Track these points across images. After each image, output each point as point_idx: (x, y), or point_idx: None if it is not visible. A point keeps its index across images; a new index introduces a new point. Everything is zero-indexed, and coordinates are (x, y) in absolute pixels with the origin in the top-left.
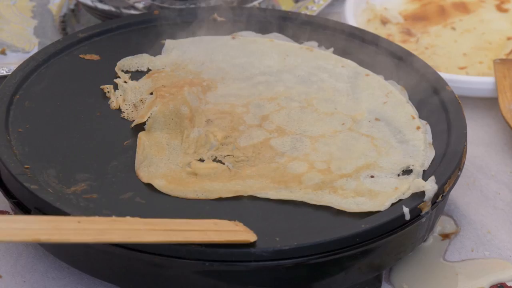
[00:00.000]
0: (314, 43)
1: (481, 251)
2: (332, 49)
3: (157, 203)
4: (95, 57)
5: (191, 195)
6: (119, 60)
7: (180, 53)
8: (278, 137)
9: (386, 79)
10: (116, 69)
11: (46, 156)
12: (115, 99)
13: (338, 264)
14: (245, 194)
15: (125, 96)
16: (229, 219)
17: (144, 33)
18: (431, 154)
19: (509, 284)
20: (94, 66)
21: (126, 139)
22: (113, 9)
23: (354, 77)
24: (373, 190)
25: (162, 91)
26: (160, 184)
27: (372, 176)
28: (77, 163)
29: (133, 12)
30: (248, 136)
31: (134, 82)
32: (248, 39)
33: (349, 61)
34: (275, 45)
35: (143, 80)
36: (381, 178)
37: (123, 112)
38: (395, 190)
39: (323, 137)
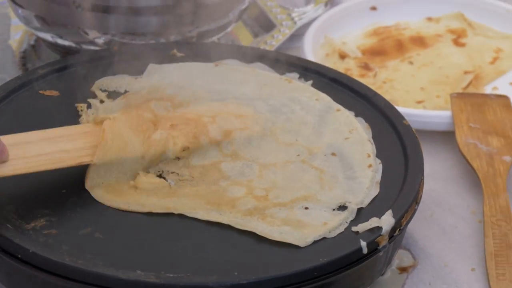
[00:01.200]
0: (295, 75)
1: (438, 284)
2: (311, 82)
3: (97, 216)
4: (55, 92)
5: (123, 206)
6: (77, 95)
7: (161, 77)
8: (230, 162)
9: (357, 115)
10: (94, 87)
11: (5, 192)
12: (86, 118)
13: None
14: (175, 212)
15: (96, 115)
16: (155, 234)
17: (104, 68)
18: (374, 192)
19: None
20: (54, 102)
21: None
22: (73, 44)
23: (325, 111)
24: (302, 221)
25: (130, 106)
26: (97, 193)
27: (306, 208)
28: (36, 198)
29: (93, 47)
30: (202, 154)
31: (109, 102)
32: (231, 67)
33: (324, 95)
34: (256, 75)
35: (118, 101)
36: (315, 211)
37: None
38: (323, 225)
39: (273, 166)
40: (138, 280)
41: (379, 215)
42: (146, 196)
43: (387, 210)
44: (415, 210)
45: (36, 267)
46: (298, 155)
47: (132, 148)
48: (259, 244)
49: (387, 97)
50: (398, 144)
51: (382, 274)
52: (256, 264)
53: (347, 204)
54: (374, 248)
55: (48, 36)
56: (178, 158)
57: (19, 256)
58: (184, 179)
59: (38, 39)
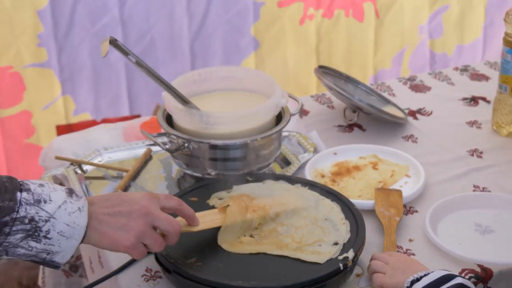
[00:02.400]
0: (301, 185)
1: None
2: (307, 187)
3: (223, 256)
4: (195, 199)
5: (236, 251)
6: (206, 198)
7: (242, 189)
8: (280, 227)
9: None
10: (212, 196)
11: (182, 243)
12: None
13: None
14: (261, 252)
15: (219, 206)
16: (251, 263)
17: (216, 186)
18: (347, 236)
19: None
20: (196, 203)
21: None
22: (200, 175)
23: (317, 200)
24: (319, 251)
25: (234, 200)
26: (223, 245)
27: (320, 245)
28: (191, 247)
29: (209, 176)
30: (267, 224)
31: (220, 201)
32: (272, 183)
33: (315, 193)
34: (281, 185)
35: (225, 200)
36: (324, 246)
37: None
38: (329, 253)
39: (300, 227)
40: (241, 286)
41: (348, 250)
42: (246, 246)
43: (350, 248)
44: (362, 248)
45: (193, 280)
46: (310, 221)
47: (237, 220)
48: (298, 264)
49: (344, 194)
50: (352, 216)
51: (348, 278)
52: (298, 275)
53: (338, 242)
54: (345, 267)
55: (189, 172)
56: (257, 228)
57: (185, 276)
58: (262, 236)
59: (185, 174)
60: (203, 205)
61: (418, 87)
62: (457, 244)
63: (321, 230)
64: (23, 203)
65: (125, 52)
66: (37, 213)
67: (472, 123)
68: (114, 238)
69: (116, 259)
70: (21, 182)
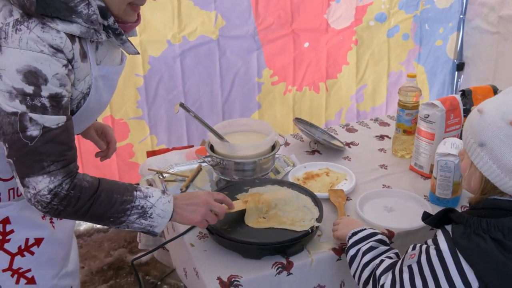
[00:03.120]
0: (285, 186)
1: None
2: (291, 188)
3: (248, 229)
4: (226, 192)
5: (256, 226)
6: (234, 194)
7: (257, 190)
8: (280, 211)
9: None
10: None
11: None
12: (240, 199)
13: (294, 244)
14: (270, 227)
15: (242, 198)
16: (260, 232)
17: (237, 186)
18: (317, 214)
19: None
20: (227, 195)
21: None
22: (229, 179)
23: (297, 194)
24: (304, 225)
25: (251, 195)
26: (249, 224)
27: (303, 221)
28: (225, 220)
29: (234, 180)
30: (272, 210)
31: (241, 195)
32: (274, 186)
33: (294, 191)
34: (276, 186)
35: (245, 194)
36: (306, 222)
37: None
38: (309, 225)
39: (291, 211)
40: (250, 241)
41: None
42: (262, 223)
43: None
44: (321, 220)
45: (225, 238)
46: (296, 208)
47: (253, 207)
48: (289, 232)
49: (311, 190)
50: (317, 203)
51: (313, 237)
52: (287, 237)
53: (313, 218)
54: (312, 230)
55: (222, 177)
56: (266, 212)
57: (220, 235)
58: (269, 218)
59: (220, 178)
60: (231, 197)
61: (350, 130)
62: (374, 217)
63: (303, 213)
64: (137, 197)
65: (188, 110)
66: (145, 203)
67: (381, 150)
68: (189, 217)
69: (183, 227)
70: (136, 186)
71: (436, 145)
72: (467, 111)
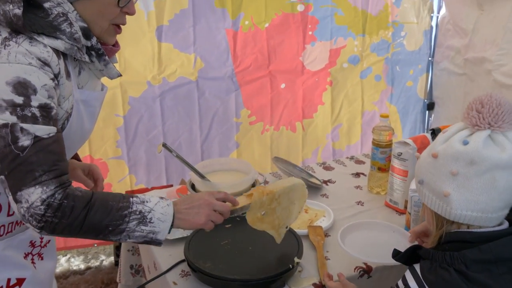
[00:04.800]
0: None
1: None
2: None
3: (231, 264)
4: None
5: (252, 224)
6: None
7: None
8: (278, 206)
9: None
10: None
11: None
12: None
13: (276, 280)
14: (262, 229)
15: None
16: (241, 267)
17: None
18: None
19: None
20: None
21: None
22: None
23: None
24: (281, 233)
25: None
26: (248, 220)
27: (287, 227)
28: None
29: None
30: (273, 204)
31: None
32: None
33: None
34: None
35: (251, 190)
36: (281, 229)
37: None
38: (282, 233)
39: (285, 208)
40: (232, 278)
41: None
42: (257, 223)
43: (295, 256)
44: (301, 256)
45: (208, 276)
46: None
47: (257, 200)
48: (271, 268)
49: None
50: (296, 239)
51: (294, 272)
52: (269, 274)
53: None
54: (293, 266)
55: None
56: (269, 205)
57: (204, 273)
58: (267, 214)
59: None
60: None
61: (327, 168)
62: (355, 250)
63: (287, 213)
64: (134, 203)
65: (170, 150)
66: (143, 208)
67: (357, 187)
68: (193, 221)
69: (165, 265)
70: (131, 194)
71: (409, 182)
72: None
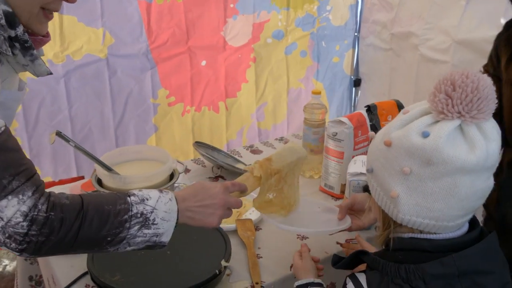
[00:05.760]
0: None
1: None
2: None
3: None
4: None
5: (260, 209)
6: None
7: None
8: (285, 185)
9: None
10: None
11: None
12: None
13: None
14: (270, 212)
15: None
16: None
17: None
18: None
19: None
20: None
21: None
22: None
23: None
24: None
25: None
26: (256, 206)
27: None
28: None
29: None
30: (280, 184)
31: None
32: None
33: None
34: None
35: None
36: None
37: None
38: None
39: (291, 185)
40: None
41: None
42: (265, 207)
43: (222, 259)
44: (230, 259)
45: None
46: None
47: (265, 182)
48: (195, 276)
49: None
50: (222, 237)
51: (222, 278)
52: (192, 283)
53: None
54: (220, 272)
55: None
56: (275, 186)
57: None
58: (275, 196)
59: None
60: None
61: (255, 151)
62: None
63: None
64: (133, 204)
65: (66, 140)
66: (144, 208)
67: None
68: (206, 221)
69: (64, 279)
70: (127, 191)
71: (345, 164)
72: (373, 127)
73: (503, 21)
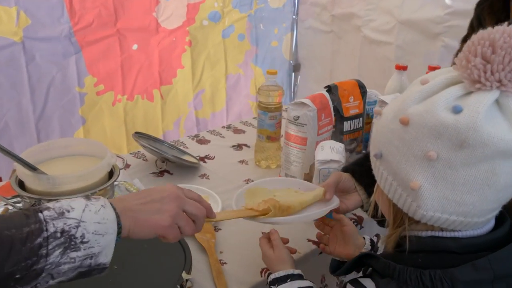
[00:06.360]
0: None
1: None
2: None
3: None
4: None
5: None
6: None
7: None
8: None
9: None
10: None
11: None
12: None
13: None
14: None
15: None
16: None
17: None
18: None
19: None
20: None
21: None
22: None
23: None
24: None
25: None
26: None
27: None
28: None
29: None
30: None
31: None
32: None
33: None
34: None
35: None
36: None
37: None
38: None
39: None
40: None
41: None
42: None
43: (183, 271)
44: (191, 270)
45: None
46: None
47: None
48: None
49: None
50: (180, 245)
51: None
52: None
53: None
54: (182, 286)
55: None
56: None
57: None
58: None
59: None
60: None
61: (202, 141)
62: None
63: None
64: (48, 220)
65: None
66: (65, 223)
67: (242, 162)
68: (152, 221)
69: None
70: (37, 206)
71: (309, 151)
72: (336, 110)
73: (447, 1)
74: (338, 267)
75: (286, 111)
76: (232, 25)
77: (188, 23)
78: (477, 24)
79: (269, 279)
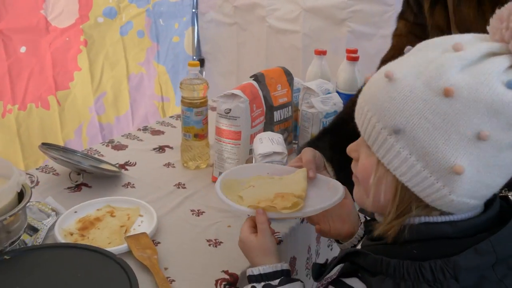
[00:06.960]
0: None
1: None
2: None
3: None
4: None
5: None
6: None
7: None
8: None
9: None
10: None
11: None
12: None
13: None
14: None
15: None
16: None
17: None
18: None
19: None
20: None
21: None
22: None
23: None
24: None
25: None
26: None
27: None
28: None
29: None
30: None
31: None
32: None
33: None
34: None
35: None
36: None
37: None
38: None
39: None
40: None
41: None
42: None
43: None
44: None
45: None
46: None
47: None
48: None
49: (96, 244)
50: (120, 266)
51: None
52: None
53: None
54: None
55: None
56: None
57: None
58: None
59: None
60: None
61: (117, 147)
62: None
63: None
64: None
65: None
66: None
67: (167, 165)
68: None
69: None
70: None
71: (244, 146)
72: (265, 99)
73: None
74: (321, 271)
75: (216, 102)
76: (130, 22)
77: (82, 20)
78: (413, 1)
79: (251, 273)
